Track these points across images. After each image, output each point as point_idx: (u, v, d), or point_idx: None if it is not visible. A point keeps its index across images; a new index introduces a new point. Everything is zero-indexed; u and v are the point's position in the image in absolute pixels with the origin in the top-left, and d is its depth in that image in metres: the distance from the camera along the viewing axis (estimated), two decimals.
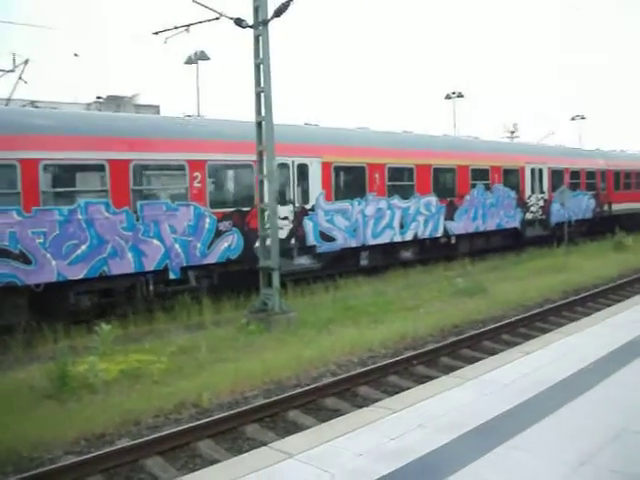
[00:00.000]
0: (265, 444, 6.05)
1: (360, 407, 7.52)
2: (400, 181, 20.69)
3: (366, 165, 19.51)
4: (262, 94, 12.91)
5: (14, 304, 13.03)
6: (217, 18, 13.25)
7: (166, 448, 7.41)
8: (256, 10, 12.77)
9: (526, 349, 8.28)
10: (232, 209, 16.03)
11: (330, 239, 18.33)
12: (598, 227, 30.45)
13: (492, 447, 4.95)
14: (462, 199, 23.13)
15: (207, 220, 15.42)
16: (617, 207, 32.59)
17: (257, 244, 15.06)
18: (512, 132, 55.48)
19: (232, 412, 8.36)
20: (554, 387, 6.43)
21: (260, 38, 12.74)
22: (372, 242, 19.60)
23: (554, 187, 27.57)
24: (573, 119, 59.44)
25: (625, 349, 7.87)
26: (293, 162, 17.33)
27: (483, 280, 17.06)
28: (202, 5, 13.13)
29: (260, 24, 12.67)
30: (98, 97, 53.38)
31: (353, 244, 19.06)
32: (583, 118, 58.75)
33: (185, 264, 15.05)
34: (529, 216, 26.45)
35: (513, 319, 13.49)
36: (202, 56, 29.03)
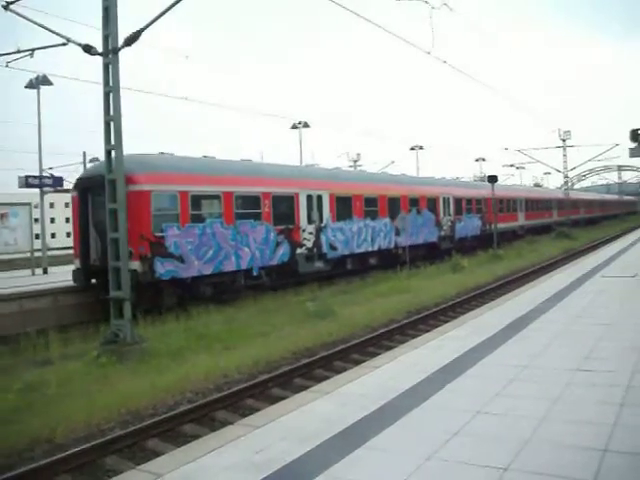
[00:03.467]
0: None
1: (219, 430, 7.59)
2: (370, 207, 27.92)
3: (352, 196, 26.87)
4: (112, 123, 12.79)
5: (171, 291, 18.43)
6: (65, 44, 12.99)
7: None
8: (106, 38, 12.65)
9: (376, 364, 8.79)
10: (284, 226, 22.36)
11: (335, 248, 25.20)
12: (480, 241, 38.01)
13: (352, 450, 5.32)
14: None
15: (272, 234, 21.73)
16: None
17: (298, 251, 22.96)
18: (355, 161, 57.70)
19: (88, 445, 8.20)
20: (403, 395, 6.94)
21: (110, 66, 12.63)
22: (357, 251, 26.78)
23: (457, 212, 36.38)
24: (412, 149, 62.90)
25: (460, 360, 8.57)
26: (314, 194, 24.21)
27: (332, 304, 17.66)
28: (48, 30, 12.84)
29: (110, 52, 12.56)
30: None
31: (346, 252, 26.06)
32: (421, 148, 62.36)
33: (261, 265, 21.15)
34: (442, 233, 34.40)
35: (361, 339, 14.14)
36: (44, 81, 27.73)
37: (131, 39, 12.81)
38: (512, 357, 8.55)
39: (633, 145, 25.86)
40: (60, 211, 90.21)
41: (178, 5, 12.67)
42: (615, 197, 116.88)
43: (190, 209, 18.61)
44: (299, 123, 51.46)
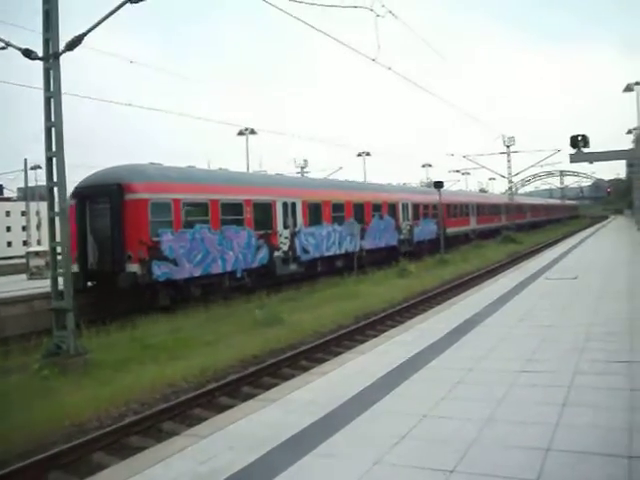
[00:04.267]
0: None
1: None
2: (338, 212, 29.59)
3: (322, 202, 28.51)
4: (53, 129, 12.49)
5: (166, 292, 19.69)
6: (3, 48, 12.65)
7: None
8: (47, 42, 12.36)
9: (324, 370, 8.78)
10: (263, 231, 23.94)
11: (307, 252, 26.75)
12: (436, 245, 38.95)
13: (300, 457, 5.28)
14: (368, 225, 32.28)
15: (253, 239, 23.31)
16: (450, 230, 43.59)
17: (275, 254, 24.49)
18: (302, 167, 57.69)
19: (31, 461, 7.98)
20: (351, 400, 6.93)
21: (51, 71, 12.34)
22: (326, 254, 28.34)
23: (415, 217, 38.31)
24: (359, 155, 63.36)
25: (406, 364, 8.62)
26: (289, 201, 25.86)
27: (280, 311, 17.59)
28: None
29: (51, 57, 12.27)
30: None
31: (317, 255, 27.56)
32: (368, 154, 62.83)
33: (244, 267, 22.68)
34: (402, 237, 36.38)
35: (310, 345, 14.14)
36: None
37: (72, 43, 12.54)
38: (458, 360, 8.65)
39: (573, 151, 26.53)
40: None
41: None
42: (558, 202, 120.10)
43: (182, 216, 20.24)
44: (246, 129, 51.39)
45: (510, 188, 69.60)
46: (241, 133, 51.50)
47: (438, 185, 36.56)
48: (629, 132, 52.95)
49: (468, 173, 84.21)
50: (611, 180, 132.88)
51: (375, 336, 12.91)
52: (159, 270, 18.98)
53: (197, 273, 20.49)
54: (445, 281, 25.83)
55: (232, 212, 22.53)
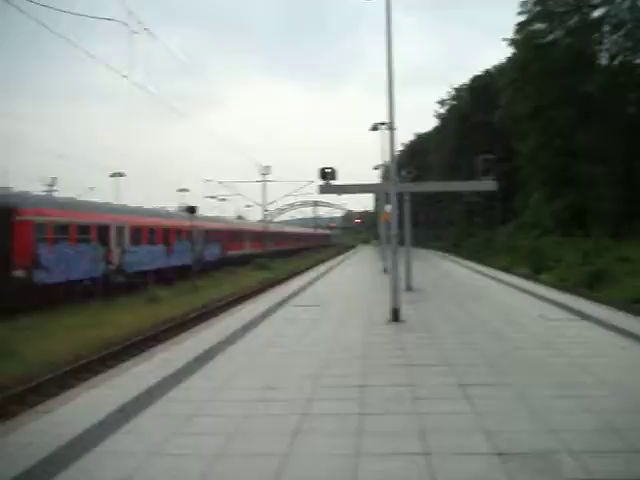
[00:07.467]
0: None
1: None
2: (152, 235, 36.23)
3: (142, 227, 34.44)
4: None
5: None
6: None
7: None
8: None
9: (48, 408, 7.94)
10: (103, 248, 29.37)
11: (131, 266, 31.85)
12: (220, 264, 47.68)
13: None
14: (172, 246, 38.78)
15: (98, 254, 28.58)
16: (230, 253, 52.79)
17: (110, 267, 29.60)
18: (50, 186, 54.07)
19: None
20: (72, 441, 6.18)
21: None
22: (144, 268, 33.30)
23: (207, 240, 45.72)
24: (113, 175, 61.01)
25: (141, 397, 8.14)
26: (120, 225, 31.07)
27: (11, 341, 16.04)
28: None
29: None
30: None
31: (138, 269, 32.71)
32: (122, 175, 60.71)
33: (90, 276, 27.88)
34: (195, 257, 41.71)
35: (40, 380, 12.98)
36: None
37: None
38: (196, 392, 8.37)
39: (322, 182, 27.82)
40: None
41: None
42: (312, 230, 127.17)
43: (53, 234, 25.74)
44: None
45: (265, 216, 71.51)
46: None
47: (191, 210, 36.43)
48: (376, 168, 56.87)
49: (224, 199, 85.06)
50: (360, 212, 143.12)
51: (113, 367, 12.20)
52: (38, 275, 23.81)
53: (62, 279, 25.31)
54: (195, 307, 25.55)
55: (83, 232, 27.84)
